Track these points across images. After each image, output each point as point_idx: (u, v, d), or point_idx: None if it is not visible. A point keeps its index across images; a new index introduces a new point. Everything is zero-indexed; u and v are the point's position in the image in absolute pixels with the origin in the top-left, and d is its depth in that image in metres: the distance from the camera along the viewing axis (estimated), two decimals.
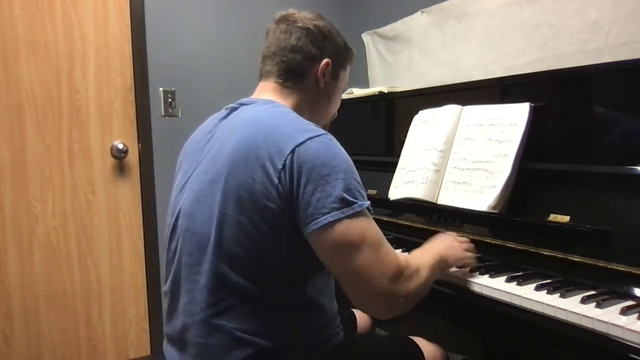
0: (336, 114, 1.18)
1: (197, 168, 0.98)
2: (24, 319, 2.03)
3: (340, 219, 0.84)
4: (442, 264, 1.02)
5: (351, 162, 0.90)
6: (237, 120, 0.99)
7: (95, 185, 2.15)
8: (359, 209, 0.86)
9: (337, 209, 0.84)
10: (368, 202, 0.88)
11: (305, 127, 0.91)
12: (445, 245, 1.08)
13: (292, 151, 0.86)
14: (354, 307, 1.50)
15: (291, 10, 1.07)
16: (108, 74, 2.15)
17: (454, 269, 1.12)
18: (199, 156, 1.00)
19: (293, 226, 0.87)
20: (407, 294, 0.89)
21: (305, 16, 1.06)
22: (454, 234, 1.17)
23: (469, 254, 1.11)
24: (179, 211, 0.98)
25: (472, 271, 1.11)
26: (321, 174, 0.85)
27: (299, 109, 1.02)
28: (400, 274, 0.88)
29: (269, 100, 1.02)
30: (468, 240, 1.16)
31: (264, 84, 1.06)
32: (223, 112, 1.04)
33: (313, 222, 0.84)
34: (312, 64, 1.04)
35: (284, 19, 1.06)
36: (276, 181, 0.85)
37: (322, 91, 1.07)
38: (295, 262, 0.91)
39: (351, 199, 0.85)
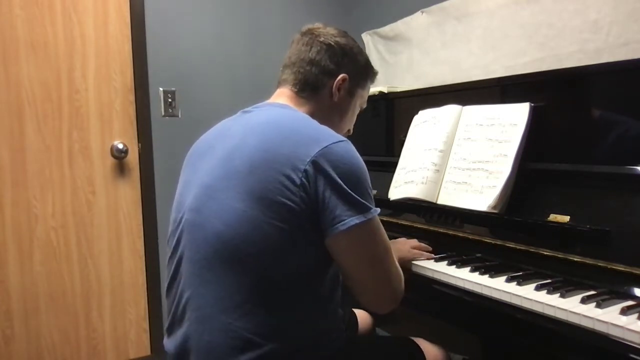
0: (351, 131, 1.20)
1: (209, 164, 0.97)
2: (24, 319, 2.03)
3: (364, 222, 0.87)
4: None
5: (367, 171, 0.94)
6: (254, 120, 0.99)
7: (95, 185, 2.15)
8: (375, 214, 0.90)
9: (361, 212, 0.88)
10: (378, 210, 0.93)
11: (327, 132, 0.93)
12: (396, 246, 1.20)
13: (317, 154, 0.87)
14: (356, 308, 1.50)
15: (317, 24, 1.11)
16: (108, 74, 2.15)
17: (454, 268, 1.13)
18: (211, 154, 0.99)
19: (313, 227, 0.88)
20: (403, 291, 0.99)
21: (328, 32, 1.09)
22: (403, 238, 1.30)
23: (415, 251, 1.24)
24: (186, 206, 0.98)
25: (473, 271, 1.11)
26: (346, 178, 0.87)
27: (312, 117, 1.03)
28: (402, 275, 0.99)
29: (284, 104, 1.05)
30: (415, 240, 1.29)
31: (280, 91, 1.09)
32: (238, 114, 1.06)
33: (340, 223, 0.86)
34: (327, 78, 1.07)
35: (309, 32, 1.09)
36: (298, 182, 0.86)
37: (336, 105, 1.10)
38: (307, 262, 0.91)
39: (370, 204, 0.89)
